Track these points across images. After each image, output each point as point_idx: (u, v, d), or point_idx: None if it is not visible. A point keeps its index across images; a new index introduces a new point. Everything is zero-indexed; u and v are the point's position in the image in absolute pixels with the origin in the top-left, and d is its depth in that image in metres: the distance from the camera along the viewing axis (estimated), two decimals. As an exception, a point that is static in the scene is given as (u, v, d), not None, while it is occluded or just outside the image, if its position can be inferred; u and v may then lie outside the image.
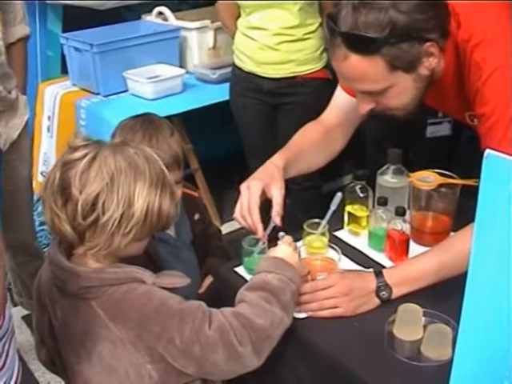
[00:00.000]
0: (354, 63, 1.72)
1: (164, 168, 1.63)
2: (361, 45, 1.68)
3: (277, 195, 1.93)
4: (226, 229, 3.87)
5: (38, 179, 3.73)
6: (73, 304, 1.64)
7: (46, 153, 3.76)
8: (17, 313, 3.45)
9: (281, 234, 1.85)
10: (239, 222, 1.94)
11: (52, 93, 3.78)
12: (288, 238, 1.80)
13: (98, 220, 1.52)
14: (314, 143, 2.17)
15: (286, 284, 1.65)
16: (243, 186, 1.95)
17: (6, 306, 1.48)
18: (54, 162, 3.69)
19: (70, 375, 1.76)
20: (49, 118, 3.79)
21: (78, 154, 1.53)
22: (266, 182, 1.94)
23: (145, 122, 2.09)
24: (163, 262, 2.09)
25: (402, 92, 1.79)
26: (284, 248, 1.75)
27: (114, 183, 1.51)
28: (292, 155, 2.10)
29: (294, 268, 1.70)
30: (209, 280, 2.27)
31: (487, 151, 1.00)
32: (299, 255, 1.79)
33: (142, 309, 1.55)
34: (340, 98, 2.17)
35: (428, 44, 1.70)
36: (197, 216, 2.33)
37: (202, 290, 2.26)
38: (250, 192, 1.92)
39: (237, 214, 1.94)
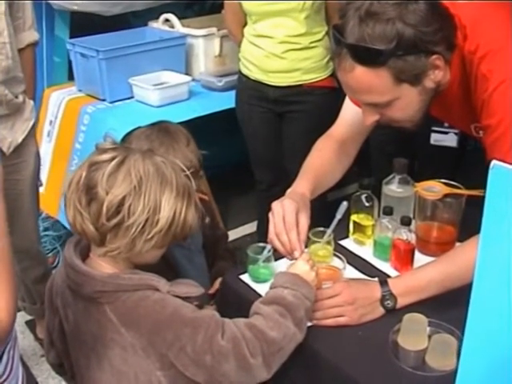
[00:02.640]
0: (359, 75, 1.71)
1: (190, 179, 1.64)
2: (367, 57, 1.67)
3: (304, 222, 1.88)
4: (230, 236, 3.85)
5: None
6: (86, 308, 1.64)
7: (43, 158, 3.75)
8: (20, 318, 3.45)
9: (296, 252, 1.85)
10: (273, 243, 1.88)
11: (58, 98, 3.79)
12: (306, 255, 1.79)
13: (123, 223, 1.52)
14: (331, 162, 2.14)
15: (301, 301, 1.65)
16: (276, 204, 1.89)
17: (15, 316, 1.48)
18: (48, 166, 3.70)
19: (79, 379, 1.77)
20: (50, 122, 3.80)
21: (106, 156, 1.54)
22: (298, 206, 1.89)
23: (161, 131, 2.09)
24: (178, 266, 2.09)
25: (408, 104, 1.79)
26: (302, 265, 1.75)
27: (141, 187, 1.51)
28: (314, 181, 2.06)
29: (310, 286, 1.71)
30: (219, 282, 2.27)
31: (493, 162, 1.00)
32: (316, 273, 1.78)
33: (155, 316, 1.56)
34: (349, 110, 2.16)
35: (434, 57, 1.70)
36: (207, 219, 2.33)
37: (212, 291, 2.25)
38: (284, 210, 1.87)
39: (271, 234, 1.87)
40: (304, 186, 2.02)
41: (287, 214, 1.85)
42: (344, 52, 1.71)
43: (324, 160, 2.14)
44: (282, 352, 1.61)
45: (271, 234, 1.87)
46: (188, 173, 1.65)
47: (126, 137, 2.14)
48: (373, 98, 1.78)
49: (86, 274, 1.60)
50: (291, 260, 1.85)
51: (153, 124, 2.16)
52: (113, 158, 1.53)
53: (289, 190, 2.01)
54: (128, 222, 1.51)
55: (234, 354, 1.54)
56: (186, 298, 1.60)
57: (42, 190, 3.69)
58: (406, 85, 1.73)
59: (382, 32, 1.64)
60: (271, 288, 1.72)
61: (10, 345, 1.54)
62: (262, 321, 1.60)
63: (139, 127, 2.15)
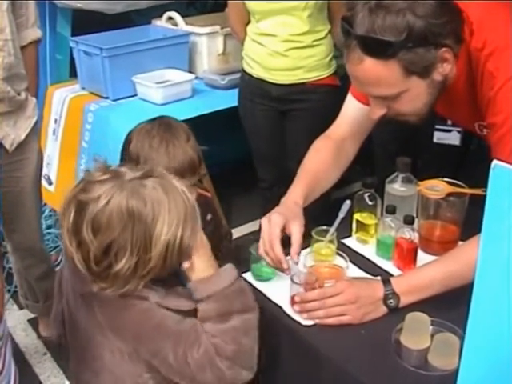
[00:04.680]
0: (369, 67, 1.70)
1: (187, 197, 1.56)
2: (377, 48, 1.66)
3: (296, 232, 1.88)
4: (233, 234, 3.86)
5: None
6: (81, 304, 1.65)
7: (50, 156, 3.77)
8: (23, 316, 3.46)
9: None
10: (265, 260, 1.89)
11: (61, 96, 3.79)
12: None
13: (111, 267, 1.49)
14: (328, 164, 2.13)
15: (224, 297, 1.60)
16: (264, 220, 1.91)
17: (3, 315, 1.48)
18: (56, 165, 3.70)
19: (73, 366, 1.79)
20: (55, 120, 3.80)
21: (92, 195, 1.48)
22: (286, 217, 1.89)
23: (161, 127, 2.09)
24: None
25: (416, 97, 1.78)
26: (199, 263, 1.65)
27: (126, 231, 1.46)
28: (310, 185, 2.06)
29: (214, 273, 1.64)
30: None
31: (494, 162, 1.00)
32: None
33: (139, 326, 1.55)
34: (351, 107, 2.16)
35: (443, 49, 1.69)
36: (209, 216, 2.32)
37: None
38: (270, 225, 1.88)
39: (260, 250, 1.89)
40: (298, 193, 2.02)
41: (273, 229, 1.87)
42: (353, 44, 1.69)
43: (321, 163, 2.12)
44: (248, 349, 1.59)
45: (260, 251, 1.89)
46: (184, 191, 1.56)
47: (127, 135, 2.14)
48: (381, 90, 1.77)
49: (79, 275, 1.59)
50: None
51: (153, 119, 2.17)
52: (98, 198, 1.47)
53: (283, 199, 2.01)
54: (117, 267, 1.48)
55: (210, 367, 1.54)
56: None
57: (52, 188, 3.72)
58: (415, 77, 1.72)
59: (393, 23, 1.63)
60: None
61: (1, 343, 1.54)
62: (218, 341, 1.56)
63: (141, 123, 2.16)
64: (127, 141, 2.10)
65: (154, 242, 1.48)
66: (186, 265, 1.60)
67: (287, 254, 1.86)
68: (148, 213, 1.47)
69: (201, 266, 1.62)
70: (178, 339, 1.54)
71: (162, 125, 2.11)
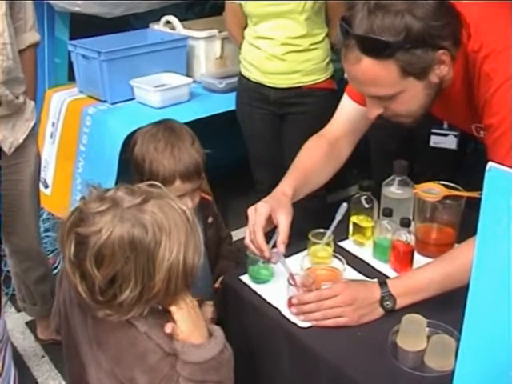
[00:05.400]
0: (366, 67, 1.71)
1: (186, 216, 1.53)
2: (375, 48, 1.67)
3: (283, 222, 1.88)
4: (231, 237, 3.87)
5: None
6: (75, 311, 1.66)
7: (47, 159, 3.77)
8: (21, 319, 3.46)
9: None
10: (250, 249, 1.90)
11: (59, 99, 3.79)
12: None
13: (116, 298, 1.47)
14: (320, 161, 2.14)
15: (199, 371, 1.54)
16: (251, 209, 1.92)
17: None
18: (53, 168, 3.70)
19: (69, 359, 1.78)
20: (53, 124, 3.80)
21: (92, 229, 1.44)
22: (272, 207, 1.90)
23: (166, 130, 2.10)
24: None
25: (412, 98, 1.79)
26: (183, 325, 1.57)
27: (130, 262, 1.44)
28: (300, 179, 2.06)
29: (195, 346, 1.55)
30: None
31: (489, 164, 1.01)
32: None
33: (121, 350, 1.55)
34: (346, 107, 2.16)
35: (441, 52, 1.70)
36: (210, 219, 2.34)
37: (217, 285, 2.25)
38: (256, 214, 1.89)
39: (246, 239, 1.90)
40: (287, 184, 2.03)
41: (257, 218, 1.87)
42: (352, 43, 1.70)
43: (311, 158, 2.14)
44: None
45: (246, 241, 1.90)
46: (184, 209, 1.54)
47: (132, 139, 2.15)
48: (378, 90, 1.78)
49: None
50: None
51: (157, 122, 2.18)
52: (99, 231, 1.44)
53: (272, 192, 2.01)
54: (122, 297, 1.46)
55: None
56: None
57: (48, 191, 3.72)
58: (411, 78, 1.73)
59: (391, 24, 1.63)
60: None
61: (1, 346, 1.55)
62: None
63: (140, 128, 2.16)
64: (132, 143, 2.12)
65: (158, 268, 1.46)
66: (167, 329, 1.53)
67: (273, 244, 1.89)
68: (150, 240, 1.45)
69: (184, 328, 1.55)
70: (154, 376, 1.53)
71: (166, 128, 2.12)
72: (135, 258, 1.44)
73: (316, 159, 2.13)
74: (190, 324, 1.55)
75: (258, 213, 1.89)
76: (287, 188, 2.00)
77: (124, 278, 1.45)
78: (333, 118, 2.22)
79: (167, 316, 1.56)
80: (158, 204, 1.50)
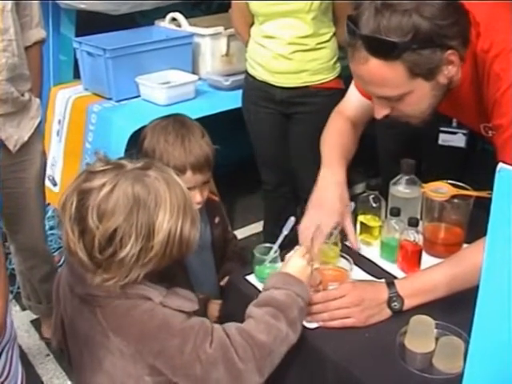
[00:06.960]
0: (373, 67, 1.70)
1: (186, 192, 1.60)
2: (382, 49, 1.65)
3: (350, 229, 2.04)
4: (237, 236, 3.86)
5: (46, 183, 3.74)
6: (80, 306, 1.65)
7: (54, 157, 3.77)
8: (25, 317, 3.46)
9: (297, 247, 1.85)
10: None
11: (64, 97, 3.79)
12: (302, 250, 1.78)
13: (116, 255, 1.49)
14: (350, 136, 2.21)
15: (293, 299, 1.64)
16: (312, 228, 1.96)
17: (6, 318, 1.48)
18: (61, 165, 3.70)
19: (75, 371, 1.78)
20: (59, 121, 3.80)
21: (95, 183, 1.50)
22: (338, 222, 2.00)
23: (176, 123, 2.11)
24: (185, 261, 2.08)
25: (420, 99, 1.77)
26: (296, 261, 1.73)
27: (132, 217, 1.48)
28: (346, 162, 2.14)
29: (303, 283, 1.69)
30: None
31: (500, 165, 0.99)
32: (315, 269, 1.78)
33: (143, 326, 1.55)
34: (354, 96, 2.19)
35: (449, 52, 1.68)
36: (217, 219, 2.33)
37: (222, 283, 2.24)
38: (319, 232, 1.95)
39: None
40: (338, 173, 2.10)
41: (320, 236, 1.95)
42: (358, 43, 1.68)
43: (344, 135, 2.20)
44: (273, 355, 1.59)
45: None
46: (183, 186, 1.60)
47: (140, 134, 2.14)
48: (385, 91, 1.77)
49: (79, 276, 1.60)
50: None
51: (167, 116, 2.18)
52: (102, 186, 1.49)
53: (330, 180, 2.08)
54: (122, 254, 1.49)
55: (223, 362, 1.53)
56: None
57: (56, 189, 3.71)
58: (419, 79, 1.71)
59: (398, 24, 1.62)
60: (263, 290, 1.71)
61: (9, 346, 1.54)
62: (254, 325, 1.59)
63: (146, 126, 2.15)
64: (141, 138, 2.11)
65: (157, 229, 1.50)
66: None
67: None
68: (151, 200, 1.50)
69: (297, 264, 1.72)
70: (185, 337, 1.54)
71: (176, 121, 2.12)
72: (137, 213, 1.48)
73: (348, 135, 2.21)
74: (300, 266, 1.73)
75: (320, 230, 1.95)
76: (339, 175, 2.09)
77: (125, 233, 1.48)
78: (343, 100, 2.26)
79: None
80: (160, 173, 1.57)
